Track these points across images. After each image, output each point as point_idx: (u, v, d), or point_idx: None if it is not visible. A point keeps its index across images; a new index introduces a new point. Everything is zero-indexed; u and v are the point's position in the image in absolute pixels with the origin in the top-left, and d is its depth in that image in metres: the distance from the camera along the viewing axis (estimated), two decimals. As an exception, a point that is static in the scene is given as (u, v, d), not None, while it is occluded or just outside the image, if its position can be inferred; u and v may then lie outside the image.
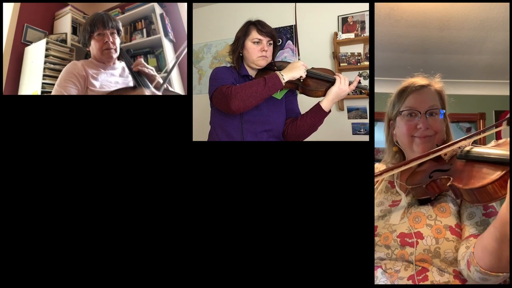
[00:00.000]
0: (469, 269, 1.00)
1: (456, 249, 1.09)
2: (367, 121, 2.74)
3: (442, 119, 1.26)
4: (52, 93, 1.66)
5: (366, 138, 2.73)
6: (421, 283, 1.08)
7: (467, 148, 1.10)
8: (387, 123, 1.35)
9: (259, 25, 1.65)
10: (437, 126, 1.24)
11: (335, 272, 1.27)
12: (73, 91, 1.64)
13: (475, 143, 1.16)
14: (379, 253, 1.16)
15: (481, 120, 3.87)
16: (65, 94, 1.63)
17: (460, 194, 1.04)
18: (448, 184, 1.06)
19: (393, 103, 1.31)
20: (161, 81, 1.76)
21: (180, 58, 1.72)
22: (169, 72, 1.85)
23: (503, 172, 0.92)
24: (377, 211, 1.24)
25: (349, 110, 2.79)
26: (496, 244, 0.92)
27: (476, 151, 1.07)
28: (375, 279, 1.13)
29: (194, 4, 3.07)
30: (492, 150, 1.03)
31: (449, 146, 1.13)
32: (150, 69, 1.81)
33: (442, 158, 1.17)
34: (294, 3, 2.66)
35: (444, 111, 1.27)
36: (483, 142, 3.29)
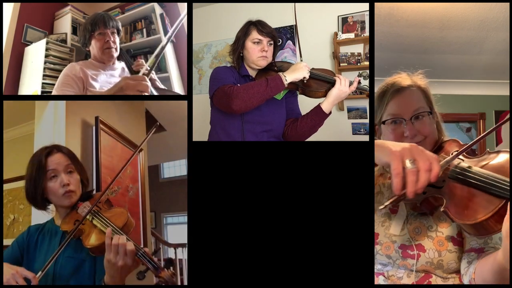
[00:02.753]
0: None
1: (459, 258, 1.07)
2: (367, 121, 2.74)
3: (430, 121, 1.17)
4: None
5: (366, 138, 2.73)
6: None
7: (461, 165, 0.99)
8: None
9: (259, 25, 1.65)
10: (426, 130, 1.14)
11: (335, 272, 1.27)
12: (70, 94, 1.64)
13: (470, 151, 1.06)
14: (380, 261, 1.15)
15: (481, 120, 3.87)
16: None
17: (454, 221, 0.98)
18: (442, 210, 0.97)
19: (376, 109, 1.21)
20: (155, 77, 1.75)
21: (176, 31, 1.56)
22: (163, 47, 1.70)
23: (499, 206, 0.85)
24: (378, 217, 1.20)
25: (349, 110, 2.80)
26: (496, 276, 0.90)
27: (471, 173, 0.95)
28: None
29: (194, 4, 3.07)
30: (487, 173, 0.92)
31: (450, 160, 1.01)
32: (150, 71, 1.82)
33: None
34: (293, 3, 2.66)
35: (430, 112, 1.17)
36: (483, 144, 3.30)
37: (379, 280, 1.14)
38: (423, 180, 0.92)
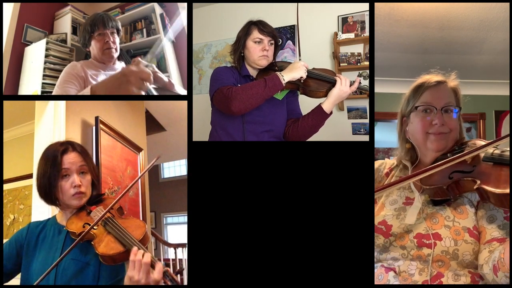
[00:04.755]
0: (495, 274, 1.00)
1: (474, 251, 1.08)
2: (367, 121, 2.74)
3: (456, 118, 1.24)
4: (53, 94, 1.66)
5: (366, 138, 2.73)
6: None
7: (495, 151, 1.08)
8: (400, 120, 1.33)
9: (260, 25, 1.65)
10: (452, 124, 1.22)
11: (335, 272, 1.27)
12: (72, 92, 1.65)
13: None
14: (393, 253, 1.14)
15: (481, 120, 3.87)
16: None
17: (487, 198, 1.02)
18: (475, 187, 1.04)
19: (408, 99, 1.29)
20: (156, 70, 1.75)
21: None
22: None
23: None
24: (391, 210, 1.22)
25: (349, 110, 2.80)
26: None
27: (505, 154, 1.05)
28: (387, 282, 1.12)
29: (194, 4, 3.07)
30: None
31: (475, 151, 1.10)
32: (150, 67, 1.81)
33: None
34: (295, 3, 2.66)
35: (458, 109, 1.25)
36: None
37: (388, 276, 1.12)
38: None
